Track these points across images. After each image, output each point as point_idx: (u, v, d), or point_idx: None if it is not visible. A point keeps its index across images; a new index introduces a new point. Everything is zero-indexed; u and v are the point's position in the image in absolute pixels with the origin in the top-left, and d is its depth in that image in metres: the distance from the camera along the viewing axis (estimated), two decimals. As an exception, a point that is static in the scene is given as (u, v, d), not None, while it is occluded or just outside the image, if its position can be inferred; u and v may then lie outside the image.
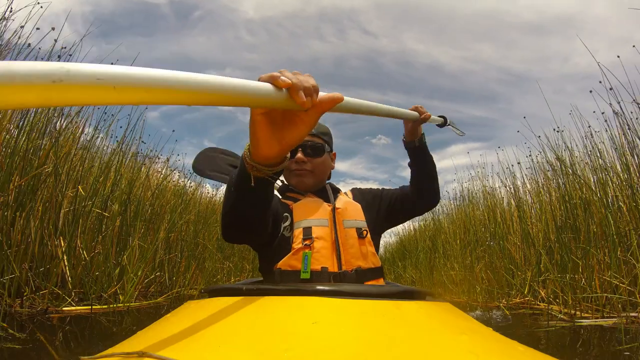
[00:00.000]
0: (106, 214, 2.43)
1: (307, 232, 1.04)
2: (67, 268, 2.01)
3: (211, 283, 3.71)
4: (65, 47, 2.65)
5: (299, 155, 1.14)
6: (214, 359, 0.39)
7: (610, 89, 3.06)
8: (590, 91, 3.16)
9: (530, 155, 4.12)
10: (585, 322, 2.34)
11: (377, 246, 1.18)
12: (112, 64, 0.38)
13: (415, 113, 1.12)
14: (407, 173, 1.30)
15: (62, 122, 2.45)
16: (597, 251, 2.74)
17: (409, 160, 1.26)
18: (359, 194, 1.26)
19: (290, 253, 1.01)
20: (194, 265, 3.41)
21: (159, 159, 4.10)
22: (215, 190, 5.73)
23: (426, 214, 6.98)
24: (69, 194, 2.23)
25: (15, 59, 2.35)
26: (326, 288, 0.61)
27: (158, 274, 2.91)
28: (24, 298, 1.72)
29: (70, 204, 2.28)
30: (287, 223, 1.07)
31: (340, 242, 1.05)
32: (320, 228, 1.05)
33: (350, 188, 1.31)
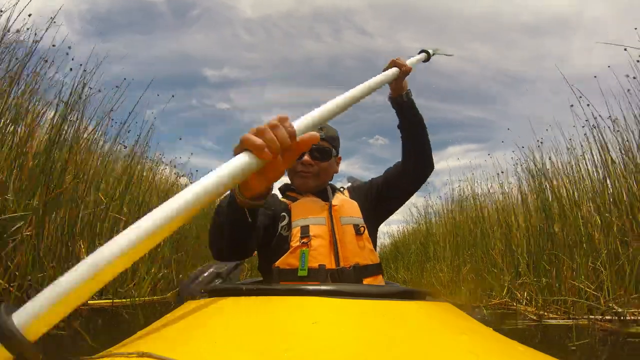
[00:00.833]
0: (123, 218, 2.68)
1: (305, 231, 1.05)
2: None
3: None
4: (54, 45, 2.71)
5: (306, 157, 1.15)
6: (214, 359, 0.40)
7: (588, 105, 3.34)
8: (572, 105, 3.41)
9: (515, 165, 4.39)
10: (551, 322, 2.61)
11: (375, 242, 1.18)
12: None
13: (394, 70, 1.05)
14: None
15: (81, 132, 2.68)
16: (569, 258, 3.01)
17: (397, 122, 1.19)
18: (353, 191, 1.26)
19: (289, 251, 1.03)
20: (198, 265, 3.66)
21: (162, 161, 4.35)
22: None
23: (418, 217, 7.27)
24: (90, 200, 2.47)
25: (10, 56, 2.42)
26: (326, 288, 0.61)
27: (165, 271, 3.15)
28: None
29: (85, 207, 2.52)
30: (284, 222, 1.09)
31: (338, 239, 1.06)
32: (317, 226, 1.06)
33: (347, 185, 1.31)
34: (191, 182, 4.54)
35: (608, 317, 2.40)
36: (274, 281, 1.01)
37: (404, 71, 1.09)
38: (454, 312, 0.66)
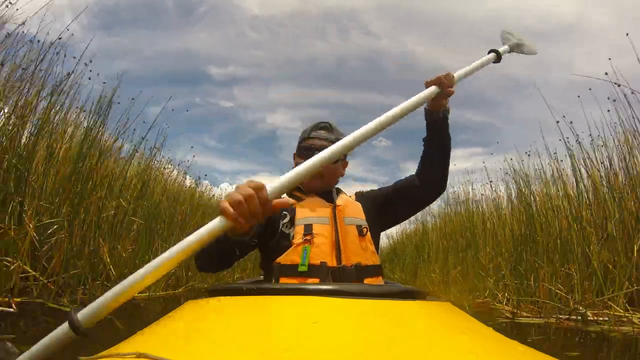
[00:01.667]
0: (141, 221, 2.98)
1: (308, 229, 1.06)
2: (110, 265, 2.56)
3: (219, 278, 4.24)
4: (60, 38, 2.78)
5: None
6: (214, 359, 0.40)
7: (571, 122, 3.60)
8: (558, 121, 3.65)
9: (507, 173, 4.64)
10: (523, 320, 2.88)
11: (377, 245, 1.19)
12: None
13: (432, 89, 1.00)
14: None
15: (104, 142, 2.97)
16: (545, 264, 3.27)
17: (425, 134, 1.17)
18: (360, 196, 1.28)
19: (291, 248, 1.04)
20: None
21: (170, 163, 4.62)
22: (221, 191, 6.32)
23: (415, 219, 7.48)
24: (110, 205, 2.77)
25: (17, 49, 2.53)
26: (326, 287, 0.61)
27: (175, 270, 3.46)
28: (85, 288, 2.26)
29: (105, 211, 2.82)
30: (285, 220, 1.11)
31: (341, 238, 1.07)
32: (321, 225, 1.08)
33: (355, 192, 1.32)
34: (197, 184, 4.78)
35: (573, 317, 2.67)
36: (274, 277, 1.03)
37: (446, 92, 1.02)
38: (454, 312, 0.66)
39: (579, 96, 3.41)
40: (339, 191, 1.26)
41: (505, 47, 1.21)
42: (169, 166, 4.59)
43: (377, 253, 1.17)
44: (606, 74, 3.08)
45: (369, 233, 1.13)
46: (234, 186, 0.74)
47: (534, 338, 2.15)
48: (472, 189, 5.55)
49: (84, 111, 2.96)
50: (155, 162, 3.90)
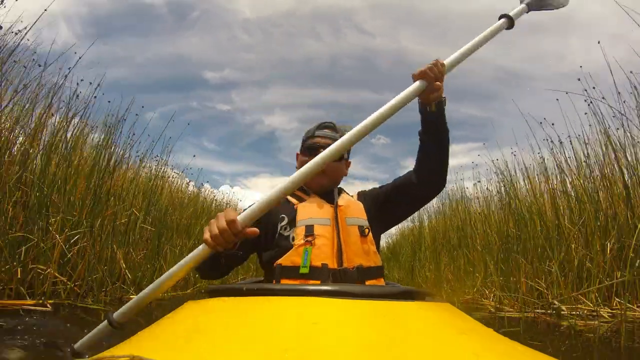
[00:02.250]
0: (152, 229, 3.24)
1: (310, 230, 1.06)
2: (126, 269, 2.81)
3: (225, 280, 4.49)
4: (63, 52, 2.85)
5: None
6: (213, 359, 0.41)
7: (553, 124, 3.83)
8: (545, 140, 3.86)
9: (496, 172, 4.86)
10: (504, 314, 3.13)
11: (378, 246, 1.17)
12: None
13: (417, 85, 0.97)
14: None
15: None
16: (529, 260, 3.51)
17: (420, 128, 1.11)
18: (362, 195, 1.27)
19: (292, 249, 1.04)
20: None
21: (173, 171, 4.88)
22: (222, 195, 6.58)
23: (411, 217, 7.68)
24: (125, 214, 3.03)
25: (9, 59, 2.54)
26: (326, 288, 0.61)
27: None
28: (106, 289, 2.52)
29: (119, 219, 3.08)
30: (284, 222, 1.11)
31: (342, 239, 1.06)
32: (322, 226, 1.07)
33: (357, 191, 1.31)
34: (199, 190, 5.03)
35: (549, 311, 2.91)
36: (276, 279, 1.03)
37: (432, 88, 0.98)
38: (454, 313, 0.65)
39: (557, 99, 3.55)
40: (340, 191, 1.26)
41: (522, 6, 1.10)
42: (173, 173, 4.85)
43: (379, 253, 1.16)
44: (578, 80, 3.30)
45: (370, 233, 1.12)
46: (222, 212, 0.85)
47: (506, 330, 2.40)
48: (465, 187, 5.80)
49: (94, 127, 3.23)
50: (161, 171, 4.15)
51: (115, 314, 0.88)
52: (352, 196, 1.25)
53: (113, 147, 3.13)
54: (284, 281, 1.01)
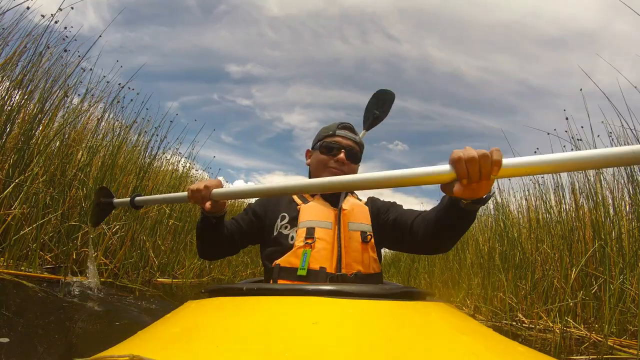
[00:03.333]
0: (178, 223, 3.80)
1: (310, 232, 1.05)
2: (154, 257, 3.37)
3: (235, 272, 5.04)
4: (70, 35, 2.96)
5: (342, 156, 1.19)
6: (213, 359, 0.41)
7: (564, 145, 4.17)
8: (537, 149, 4.17)
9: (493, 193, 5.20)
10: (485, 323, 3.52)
11: (380, 252, 1.15)
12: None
13: (445, 172, 0.68)
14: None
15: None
16: (504, 277, 3.89)
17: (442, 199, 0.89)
18: (372, 201, 1.24)
19: (292, 250, 1.04)
20: (225, 259, 4.79)
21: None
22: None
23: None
24: (154, 209, 3.59)
25: (41, 41, 2.69)
26: (326, 288, 0.61)
27: (200, 262, 4.26)
28: (139, 272, 3.09)
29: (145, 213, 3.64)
30: (284, 221, 1.12)
31: (343, 245, 1.05)
32: (323, 230, 1.06)
33: (368, 196, 1.27)
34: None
35: (514, 323, 3.30)
36: (274, 279, 1.03)
37: (469, 187, 0.68)
38: (454, 313, 0.65)
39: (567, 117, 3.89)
40: (347, 192, 1.22)
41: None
42: (193, 168, 5.40)
43: (380, 260, 1.14)
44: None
45: (372, 240, 1.10)
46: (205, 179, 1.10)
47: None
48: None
49: (133, 128, 3.82)
50: (185, 168, 4.73)
51: (137, 199, 1.25)
52: (360, 200, 1.23)
53: (149, 150, 3.71)
54: (281, 282, 1.02)
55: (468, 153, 0.65)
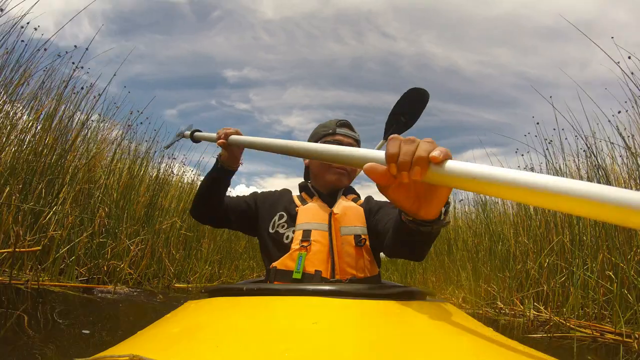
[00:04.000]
0: (189, 234, 4.21)
1: (307, 235, 1.05)
2: (170, 264, 3.79)
3: (243, 276, 5.44)
4: (76, 46, 3.15)
5: None
6: (213, 359, 0.41)
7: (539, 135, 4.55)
8: (525, 135, 4.49)
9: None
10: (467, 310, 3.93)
11: (377, 255, 1.13)
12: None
13: (371, 162, 0.54)
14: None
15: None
16: (487, 269, 4.28)
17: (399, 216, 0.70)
18: (366, 201, 1.22)
19: (288, 253, 1.04)
20: (232, 264, 5.21)
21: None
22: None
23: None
24: (167, 223, 4.00)
25: (34, 55, 2.86)
26: (327, 288, 0.61)
27: (210, 268, 4.67)
28: (159, 279, 3.51)
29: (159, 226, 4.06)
30: (282, 220, 1.13)
31: (336, 251, 1.04)
32: (319, 232, 1.05)
33: (367, 195, 1.26)
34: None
35: (492, 310, 3.69)
36: (270, 281, 1.03)
37: (401, 187, 0.55)
38: (454, 313, 0.65)
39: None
40: (348, 192, 1.23)
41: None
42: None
43: (378, 262, 1.12)
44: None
45: (367, 242, 1.08)
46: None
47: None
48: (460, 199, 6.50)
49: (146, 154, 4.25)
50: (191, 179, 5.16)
51: (197, 134, 1.35)
52: (359, 199, 1.21)
53: (162, 175, 4.13)
54: (277, 284, 0.98)
55: (399, 138, 0.51)
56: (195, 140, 1.36)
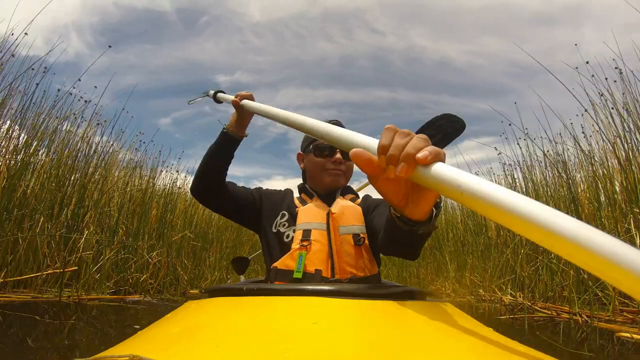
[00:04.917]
0: (198, 244, 4.64)
1: (307, 235, 1.06)
2: (183, 273, 4.22)
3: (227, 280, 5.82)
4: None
5: (338, 156, 1.19)
6: (213, 359, 0.41)
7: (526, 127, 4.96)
8: (510, 124, 4.91)
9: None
10: (444, 298, 4.35)
11: (376, 253, 1.12)
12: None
13: (361, 150, 0.52)
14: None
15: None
16: (474, 260, 4.71)
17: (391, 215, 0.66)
18: (364, 200, 1.23)
19: (288, 253, 1.05)
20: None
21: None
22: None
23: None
24: (178, 237, 4.43)
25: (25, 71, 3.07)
26: (327, 288, 0.61)
27: (218, 274, 5.09)
28: (175, 288, 3.94)
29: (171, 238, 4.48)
30: (283, 219, 1.15)
31: (335, 250, 1.05)
32: (319, 232, 1.06)
33: (366, 194, 1.26)
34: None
35: (473, 297, 4.12)
36: (271, 281, 1.04)
37: (390, 181, 0.53)
38: (454, 313, 0.65)
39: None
40: (346, 191, 1.23)
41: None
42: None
43: (378, 261, 1.12)
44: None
45: (367, 241, 1.08)
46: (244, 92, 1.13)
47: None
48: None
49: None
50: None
51: (220, 94, 1.32)
52: (357, 199, 1.23)
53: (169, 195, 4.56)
54: (277, 284, 1.00)
55: (392, 131, 0.49)
56: (217, 100, 1.36)
